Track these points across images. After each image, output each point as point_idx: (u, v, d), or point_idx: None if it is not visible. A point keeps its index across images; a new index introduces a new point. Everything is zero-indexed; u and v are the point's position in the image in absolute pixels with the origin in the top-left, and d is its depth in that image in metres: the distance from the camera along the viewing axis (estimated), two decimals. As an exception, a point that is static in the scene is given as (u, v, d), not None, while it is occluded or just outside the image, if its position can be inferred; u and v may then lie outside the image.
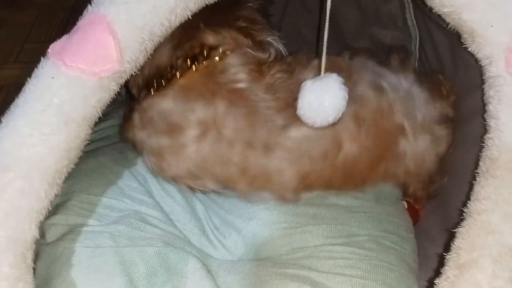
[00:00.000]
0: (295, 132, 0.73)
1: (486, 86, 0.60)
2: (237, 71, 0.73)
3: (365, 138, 0.74)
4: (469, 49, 0.60)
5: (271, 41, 0.84)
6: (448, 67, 0.79)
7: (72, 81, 0.52)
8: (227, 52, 0.76)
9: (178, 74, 0.75)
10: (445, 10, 0.59)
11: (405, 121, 0.75)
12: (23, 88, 0.54)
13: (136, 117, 0.77)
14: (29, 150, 0.51)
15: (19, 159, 0.51)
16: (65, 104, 0.52)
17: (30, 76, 0.54)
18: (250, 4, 0.87)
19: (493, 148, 0.57)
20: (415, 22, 0.87)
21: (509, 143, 0.56)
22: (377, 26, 0.91)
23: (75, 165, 0.78)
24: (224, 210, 0.80)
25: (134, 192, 0.78)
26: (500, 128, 0.57)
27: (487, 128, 0.59)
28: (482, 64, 0.60)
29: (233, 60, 0.75)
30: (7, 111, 0.53)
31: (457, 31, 0.61)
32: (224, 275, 0.73)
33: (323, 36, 0.64)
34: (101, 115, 0.57)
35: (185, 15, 0.56)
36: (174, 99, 0.73)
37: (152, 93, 0.76)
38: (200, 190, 0.80)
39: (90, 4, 0.55)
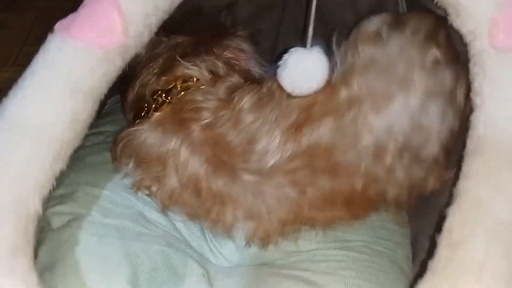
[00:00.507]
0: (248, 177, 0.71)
1: (471, 64, 0.60)
2: (200, 106, 0.72)
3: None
4: (454, 25, 0.60)
5: (258, 71, 0.85)
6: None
7: (79, 51, 0.54)
8: (198, 85, 0.75)
9: (153, 108, 0.76)
10: None
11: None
12: (30, 63, 0.55)
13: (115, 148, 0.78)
14: (36, 117, 0.52)
15: (26, 125, 0.51)
16: (72, 74, 0.53)
17: None
18: (239, 33, 0.89)
19: (479, 126, 0.57)
20: None
21: (495, 117, 0.56)
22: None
23: (79, 159, 0.81)
24: None
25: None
26: (486, 104, 0.57)
27: (473, 107, 0.59)
28: (467, 40, 0.60)
29: (194, 95, 0.74)
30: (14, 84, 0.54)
31: (444, 8, 0.61)
32: (222, 278, 0.74)
33: (311, 8, 0.69)
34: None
35: None
36: (147, 132, 0.73)
37: (133, 123, 0.77)
38: None
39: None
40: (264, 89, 0.73)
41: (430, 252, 0.55)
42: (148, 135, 0.73)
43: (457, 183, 0.57)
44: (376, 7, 0.89)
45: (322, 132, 0.68)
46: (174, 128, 0.72)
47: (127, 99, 0.83)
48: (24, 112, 0.52)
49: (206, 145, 0.71)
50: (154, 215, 0.77)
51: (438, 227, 0.56)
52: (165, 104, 0.75)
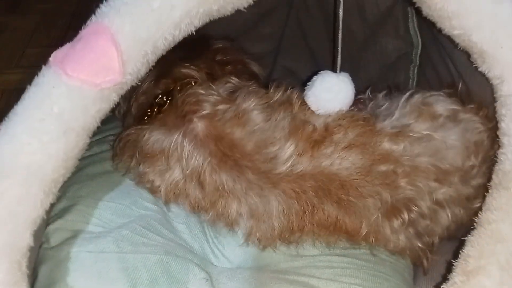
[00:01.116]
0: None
1: (498, 104, 0.61)
2: (202, 98, 0.73)
3: None
4: (479, 69, 0.61)
5: (252, 67, 0.87)
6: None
7: (73, 91, 0.52)
8: (194, 83, 0.77)
9: (156, 110, 0.77)
10: (455, 32, 0.60)
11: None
12: (22, 96, 0.54)
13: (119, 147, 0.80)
14: (27, 158, 0.51)
15: (17, 166, 0.51)
16: (64, 113, 0.52)
17: (31, 81, 0.54)
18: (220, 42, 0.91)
19: (506, 162, 0.59)
20: (417, 30, 0.87)
21: None
22: (379, 35, 0.92)
23: (81, 170, 0.81)
24: None
25: (140, 198, 0.79)
26: None
27: (500, 144, 0.61)
28: (494, 83, 0.61)
29: (196, 88, 0.75)
30: (6, 118, 0.53)
31: (466, 51, 0.62)
32: (225, 282, 0.74)
33: (337, 35, 0.73)
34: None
35: (189, 31, 0.56)
36: (151, 130, 0.75)
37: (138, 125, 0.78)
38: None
39: (94, 14, 0.55)
40: (276, 96, 0.75)
41: (445, 276, 0.58)
42: (152, 132, 0.74)
43: (479, 214, 0.59)
44: (384, 16, 0.88)
45: (344, 164, 0.69)
46: (177, 123, 0.73)
47: (130, 109, 0.83)
48: (15, 153, 0.51)
49: (210, 139, 0.71)
50: (154, 221, 0.76)
51: (456, 254, 0.58)
52: (167, 104, 0.77)
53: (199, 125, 0.72)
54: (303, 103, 0.74)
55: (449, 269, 0.59)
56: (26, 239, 0.52)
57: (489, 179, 0.61)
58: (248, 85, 0.77)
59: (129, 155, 0.78)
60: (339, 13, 0.74)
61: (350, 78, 0.73)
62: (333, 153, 0.69)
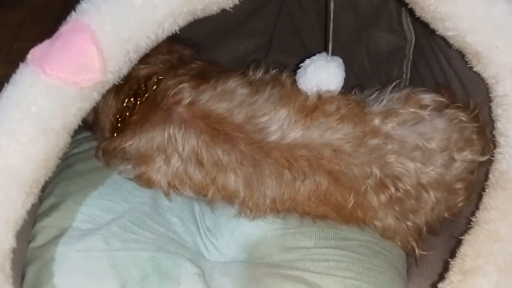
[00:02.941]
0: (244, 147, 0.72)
1: (493, 104, 0.61)
2: (178, 88, 0.74)
3: None
4: (474, 69, 0.61)
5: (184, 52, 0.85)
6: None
7: (52, 90, 0.51)
8: (160, 78, 0.77)
9: (128, 114, 0.77)
10: (448, 33, 0.59)
11: None
12: (-1, 94, 0.52)
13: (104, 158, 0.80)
14: (5, 160, 0.50)
15: (-5, 168, 0.49)
16: (43, 113, 0.51)
17: None
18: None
19: (503, 162, 0.59)
20: (411, 25, 0.86)
21: None
22: (372, 29, 0.91)
23: (70, 166, 0.81)
24: (217, 211, 0.80)
25: (130, 194, 0.78)
26: (510, 144, 0.59)
27: (496, 144, 0.60)
28: (489, 83, 0.60)
29: (166, 83, 0.75)
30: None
31: (461, 52, 0.61)
32: (219, 277, 0.73)
33: (329, 21, 0.74)
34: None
35: (173, 30, 0.54)
36: (138, 136, 0.75)
37: (115, 136, 0.78)
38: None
39: (74, 10, 0.54)
40: (257, 75, 0.76)
41: (442, 275, 0.58)
42: (139, 136, 0.74)
43: (476, 213, 0.59)
44: (377, 11, 0.87)
45: (336, 135, 0.70)
46: (161, 118, 0.73)
47: (99, 122, 0.82)
48: (-8, 155, 0.49)
49: (197, 118, 0.72)
50: (145, 215, 0.76)
51: (453, 253, 0.58)
52: (138, 105, 0.76)
53: (184, 111, 0.72)
54: (294, 82, 0.75)
55: (445, 268, 0.58)
56: (8, 242, 0.51)
57: (486, 178, 0.61)
58: (213, 65, 0.79)
59: (123, 162, 0.78)
60: (330, 5, 0.75)
61: (341, 61, 0.75)
62: (325, 124, 0.70)
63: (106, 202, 0.77)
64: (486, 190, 0.60)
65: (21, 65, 0.53)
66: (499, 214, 0.57)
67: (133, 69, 0.76)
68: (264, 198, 0.72)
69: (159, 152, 0.74)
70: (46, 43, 0.53)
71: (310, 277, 0.71)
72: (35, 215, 0.75)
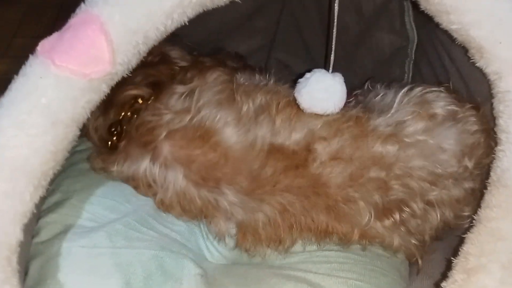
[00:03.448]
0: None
1: (495, 101, 0.61)
2: (153, 125, 0.71)
3: None
4: (477, 64, 0.60)
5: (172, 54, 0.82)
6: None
7: (61, 81, 0.51)
8: (145, 101, 0.74)
9: (115, 141, 0.75)
10: (453, 27, 0.59)
11: None
12: (9, 87, 0.52)
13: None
14: (13, 151, 0.49)
15: (3, 160, 0.49)
16: (52, 105, 0.50)
17: (18, 72, 0.52)
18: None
19: (504, 159, 0.58)
20: (413, 25, 0.86)
21: None
22: (375, 29, 0.91)
23: (75, 164, 0.80)
24: None
25: (134, 196, 0.77)
26: (511, 141, 0.58)
27: (497, 141, 0.60)
28: (491, 79, 0.60)
29: (143, 117, 0.72)
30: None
31: (464, 46, 0.61)
32: (221, 278, 0.73)
33: (332, 32, 0.70)
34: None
35: (182, 21, 0.54)
36: (121, 162, 0.74)
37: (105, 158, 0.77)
38: None
39: (83, 2, 0.53)
40: (246, 106, 0.70)
41: (445, 274, 0.58)
42: (120, 164, 0.74)
43: (478, 211, 0.58)
44: (380, 12, 0.87)
45: (332, 172, 0.67)
46: (141, 151, 0.72)
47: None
48: (1, 148, 0.49)
49: (179, 163, 0.70)
50: (149, 216, 0.76)
51: (456, 251, 0.58)
52: (124, 132, 0.74)
53: (164, 148, 0.70)
54: (285, 108, 0.70)
55: (448, 266, 0.58)
56: (16, 235, 0.50)
57: (487, 176, 0.61)
58: (200, 86, 0.73)
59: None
60: (334, 11, 0.71)
61: (342, 78, 0.70)
62: (319, 167, 0.68)
63: (110, 202, 0.76)
64: (488, 188, 0.59)
65: (30, 57, 0.52)
66: (501, 212, 0.57)
67: (118, 90, 0.70)
68: (259, 240, 0.72)
69: (139, 183, 0.74)
70: (55, 35, 0.53)
71: (312, 277, 0.71)
72: (39, 210, 0.74)
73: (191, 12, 0.54)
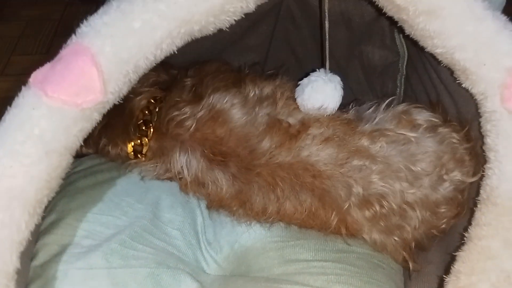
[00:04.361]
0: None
1: (482, 120, 0.61)
2: (181, 118, 0.76)
3: None
4: (463, 85, 0.61)
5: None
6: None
7: (54, 112, 0.52)
8: (160, 104, 0.80)
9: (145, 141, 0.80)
10: (437, 50, 0.60)
11: None
12: (2, 118, 0.53)
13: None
14: (9, 181, 0.51)
15: (-1, 190, 0.50)
16: (46, 135, 0.52)
17: (16, 89, 0.54)
18: None
19: (493, 177, 0.59)
20: (403, 41, 0.88)
21: (509, 173, 0.58)
22: (365, 44, 0.92)
23: (72, 183, 0.82)
24: (218, 223, 0.82)
25: (131, 208, 0.79)
26: (499, 159, 0.59)
27: (486, 158, 0.61)
28: (477, 99, 0.61)
29: (170, 112, 0.78)
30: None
31: (449, 68, 0.62)
32: None
33: (325, 38, 0.75)
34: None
35: (171, 50, 0.56)
36: (159, 161, 0.79)
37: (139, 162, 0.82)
38: None
39: (74, 34, 0.55)
40: (252, 92, 0.77)
41: None
42: (153, 167, 0.79)
43: (469, 228, 0.59)
44: (370, 26, 0.89)
45: (320, 154, 0.72)
46: (174, 143, 0.76)
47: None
48: (-5, 177, 0.50)
49: (197, 143, 0.75)
50: (144, 230, 0.76)
51: (448, 269, 0.59)
52: (149, 130, 0.79)
53: (188, 137, 0.75)
54: (288, 99, 0.77)
55: (440, 284, 0.59)
56: (12, 263, 0.51)
57: (477, 193, 0.61)
58: (207, 77, 0.80)
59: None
60: (325, 24, 0.77)
61: (339, 79, 0.77)
62: (310, 145, 0.73)
63: (106, 217, 0.77)
64: (478, 205, 0.60)
65: (23, 88, 0.54)
66: (491, 230, 0.57)
67: (133, 103, 0.79)
68: (250, 210, 0.76)
69: (176, 174, 0.78)
70: (47, 66, 0.55)
71: None
72: (37, 234, 0.75)
73: (179, 42, 0.55)
